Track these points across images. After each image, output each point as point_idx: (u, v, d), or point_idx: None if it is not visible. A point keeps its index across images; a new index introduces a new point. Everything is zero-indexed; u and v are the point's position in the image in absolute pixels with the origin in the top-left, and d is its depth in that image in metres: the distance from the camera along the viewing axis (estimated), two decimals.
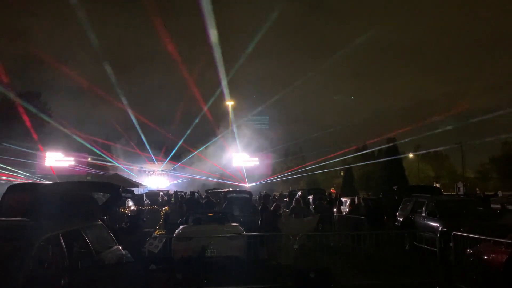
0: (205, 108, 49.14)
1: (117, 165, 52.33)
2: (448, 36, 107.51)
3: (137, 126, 49.83)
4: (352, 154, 73.22)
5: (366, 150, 71.58)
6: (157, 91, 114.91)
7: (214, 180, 52.10)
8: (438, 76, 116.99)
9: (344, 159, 68.22)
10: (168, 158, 54.08)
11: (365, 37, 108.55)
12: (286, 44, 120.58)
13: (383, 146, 59.80)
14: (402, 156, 56.23)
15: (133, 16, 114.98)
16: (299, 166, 60.90)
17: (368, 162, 61.39)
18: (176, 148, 52.12)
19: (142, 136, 51.04)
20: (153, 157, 54.56)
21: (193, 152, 54.37)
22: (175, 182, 54.81)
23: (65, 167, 46.71)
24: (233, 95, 55.44)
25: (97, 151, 50.48)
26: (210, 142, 53.25)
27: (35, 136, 44.46)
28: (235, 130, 53.75)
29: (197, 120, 50.29)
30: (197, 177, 53.20)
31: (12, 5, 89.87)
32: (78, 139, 46.85)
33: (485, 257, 7.69)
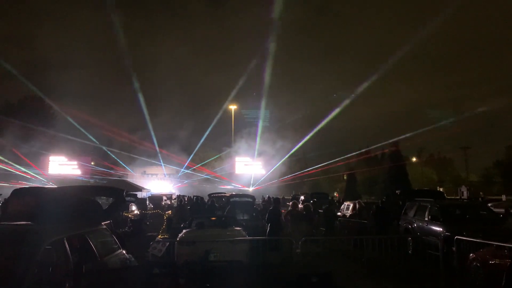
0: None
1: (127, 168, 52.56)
2: (454, 39, 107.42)
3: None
4: (355, 158, 72.98)
5: (369, 154, 71.47)
6: (164, 95, 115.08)
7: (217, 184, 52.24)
8: (443, 79, 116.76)
9: (348, 163, 68.15)
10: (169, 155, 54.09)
11: (370, 40, 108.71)
12: (290, 48, 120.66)
13: (386, 150, 59.63)
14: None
15: (139, 20, 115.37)
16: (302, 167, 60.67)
17: (372, 168, 61.28)
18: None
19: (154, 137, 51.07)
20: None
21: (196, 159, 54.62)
22: (179, 186, 54.95)
23: (68, 171, 47.12)
24: (238, 100, 55.59)
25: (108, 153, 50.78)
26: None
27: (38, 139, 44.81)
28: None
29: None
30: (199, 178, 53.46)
31: (17, 10, 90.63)
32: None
33: (488, 261, 7.67)
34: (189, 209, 19.06)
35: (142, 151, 54.57)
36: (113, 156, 53.93)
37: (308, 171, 57.59)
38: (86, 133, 46.99)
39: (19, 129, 42.21)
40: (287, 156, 51.99)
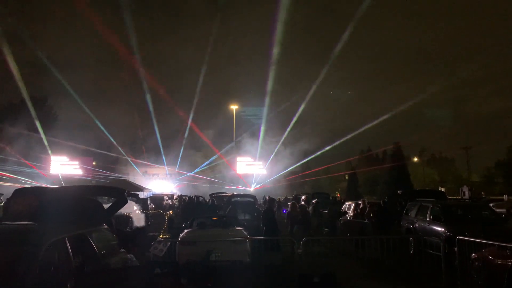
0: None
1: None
2: (455, 40, 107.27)
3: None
4: (357, 158, 72.80)
5: (371, 153, 71.34)
6: (164, 95, 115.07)
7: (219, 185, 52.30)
8: (445, 79, 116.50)
9: (349, 163, 68.11)
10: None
11: (373, 41, 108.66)
12: (293, 47, 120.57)
13: (387, 148, 59.56)
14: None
15: (142, 20, 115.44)
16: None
17: (373, 169, 61.21)
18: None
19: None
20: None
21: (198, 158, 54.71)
22: (180, 186, 54.98)
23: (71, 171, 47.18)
24: (238, 99, 55.62)
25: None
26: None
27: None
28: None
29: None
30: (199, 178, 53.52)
31: (21, 11, 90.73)
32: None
33: (490, 262, 7.66)
34: (186, 209, 19.06)
35: (146, 149, 54.76)
36: (119, 150, 53.95)
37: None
38: (91, 130, 47.13)
39: (21, 129, 42.26)
40: (289, 158, 52.05)
